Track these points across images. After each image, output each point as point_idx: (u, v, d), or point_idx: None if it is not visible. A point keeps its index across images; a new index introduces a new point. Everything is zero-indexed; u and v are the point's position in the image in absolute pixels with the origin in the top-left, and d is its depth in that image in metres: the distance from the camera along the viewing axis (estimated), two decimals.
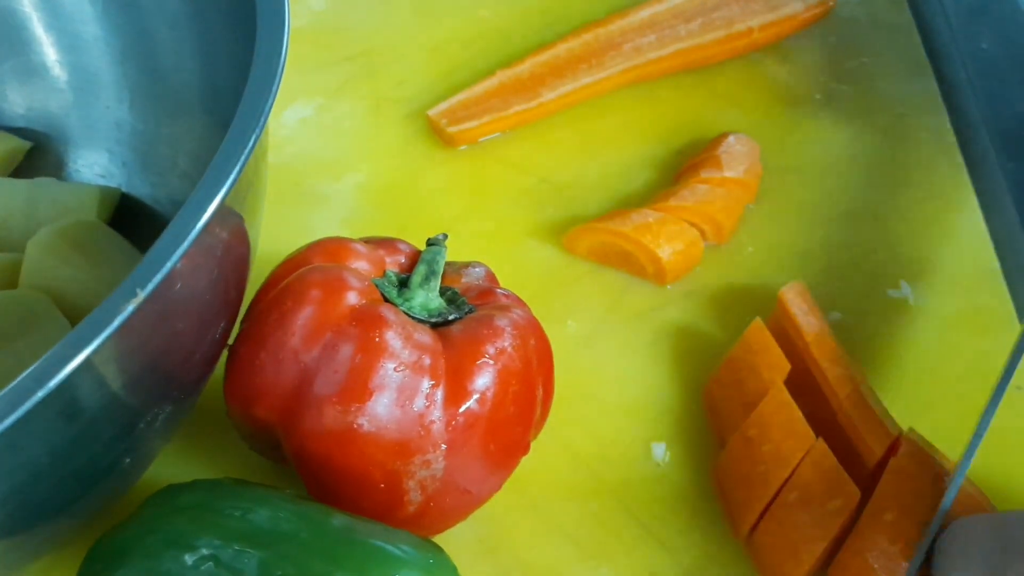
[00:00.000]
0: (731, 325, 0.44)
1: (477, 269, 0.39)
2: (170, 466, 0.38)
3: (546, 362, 0.37)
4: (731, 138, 0.50)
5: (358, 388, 0.33)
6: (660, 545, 0.38)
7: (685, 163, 0.50)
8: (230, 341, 0.36)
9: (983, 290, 0.46)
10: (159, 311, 0.28)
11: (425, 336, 0.34)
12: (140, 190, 0.47)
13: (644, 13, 0.55)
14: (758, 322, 0.42)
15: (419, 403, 0.33)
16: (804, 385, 0.40)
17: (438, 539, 0.34)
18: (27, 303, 0.40)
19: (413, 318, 0.35)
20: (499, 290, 0.38)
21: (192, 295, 0.30)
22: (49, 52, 0.47)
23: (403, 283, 0.37)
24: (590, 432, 0.42)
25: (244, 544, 0.30)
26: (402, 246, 0.38)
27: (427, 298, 0.36)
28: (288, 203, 0.50)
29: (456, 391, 0.34)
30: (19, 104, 0.48)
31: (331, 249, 0.36)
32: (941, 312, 0.45)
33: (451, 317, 0.36)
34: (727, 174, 0.48)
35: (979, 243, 0.47)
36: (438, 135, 0.53)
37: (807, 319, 0.42)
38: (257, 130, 0.29)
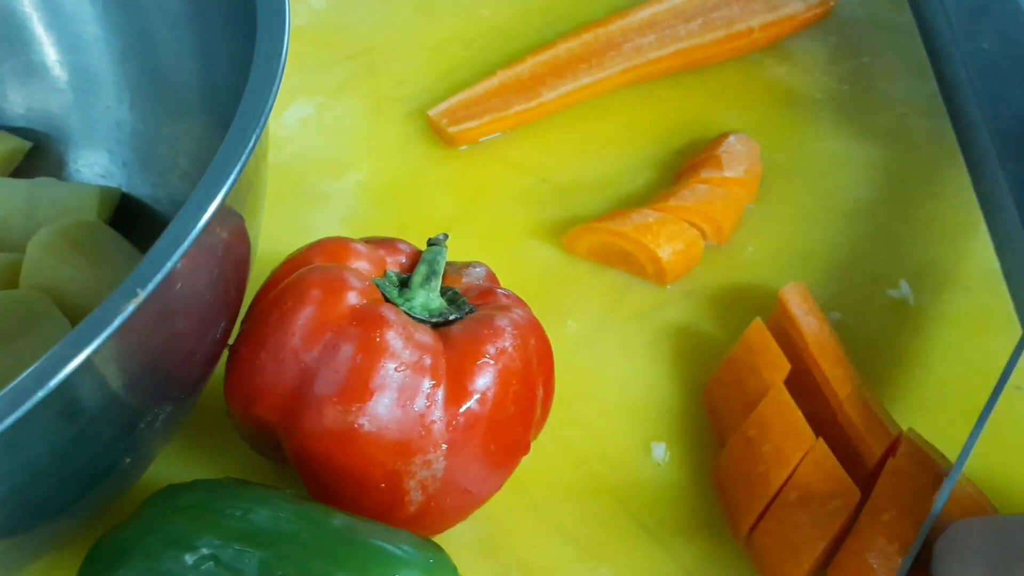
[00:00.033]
0: (731, 325, 0.44)
1: (478, 269, 0.39)
2: (170, 466, 0.38)
3: (546, 362, 0.37)
4: (731, 138, 0.50)
5: (359, 388, 0.33)
6: (660, 545, 0.38)
7: (685, 163, 0.50)
8: (230, 341, 0.36)
9: (983, 290, 0.46)
10: (159, 311, 0.28)
11: (426, 336, 0.34)
12: (140, 190, 0.47)
13: (644, 13, 0.55)
14: (758, 322, 0.42)
15: (420, 403, 0.33)
16: (804, 385, 0.40)
17: (438, 539, 0.34)
18: (27, 303, 0.40)
19: (414, 318, 0.35)
20: (500, 290, 0.38)
21: (192, 295, 0.30)
22: (49, 52, 0.47)
23: (404, 283, 0.37)
24: (590, 432, 0.42)
25: (244, 544, 0.30)
26: (403, 246, 0.38)
27: (428, 298, 0.36)
28: (288, 203, 0.50)
29: (457, 391, 0.34)
30: (19, 104, 0.48)
31: (332, 249, 0.36)
32: (941, 312, 0.45)
33: (452, 317, 0.36)
34: (727, 174, 0.48)
35: (979, 243, 0.47)
36: (438, 135, 0.53)
37: (807, 319, 0.42)
38: (257, 130, 0.29)
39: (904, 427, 0.39)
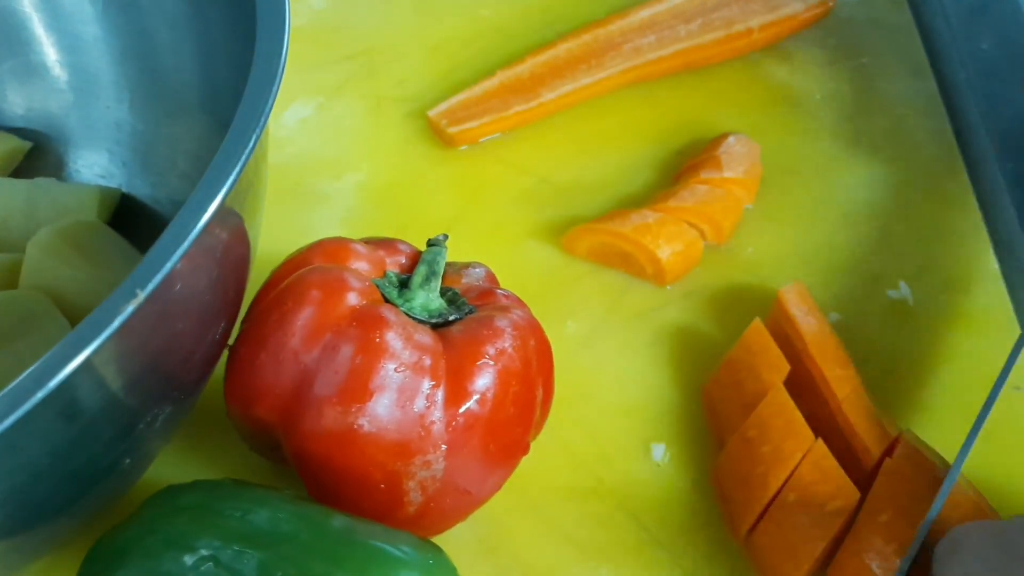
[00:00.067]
0: (730, 326, 0.44)
1: (477, 270, 0.39)
2: (170, 467, 0.38)
3: (546, 363, 0.37)
4: (731, 138, 0.50)
5: (358, 389, 0.33)
6: (659, 546, 0.38)
7: (685, 164, 0.50)
8: (230, 342, 0.36)
9: (982, 291, 0.46)
10: (159, 312, 0.28)
11: (425, 337, 0.34)
12: (140, 190, 0.47)
13: (644, 13, 0.55)
14: (757, 323, 0.42)
15: (419, 404, 0.33)
16: (803, 386, 0.40)
17: (438, 540, 0.34)
18: (27, 303, 0.39)
19: (413, 319, 0.35)
20: (499, 291, 0.38)
21: (192, 296, 0.30)
22: (49, 52, 0.47)
23: (403, 284, 0.37)
24: (590, 433, 0.42)
25: (244, 545, 0.30)
26: (402, 247, 0.38)
27: (427, 299, 0.36)
28: (288, 203, 0.50)
29: (456, 392, 0.34)
30: (19, 104, 0.48)
31: (331, 250, 0.36)
32: (940, 313, 0.45)
33: (451, 318, 0.36)
34: (727, 175, 0.48)
35: (979, 243, 0.47)
36: (438, 135, 0.53)
37: (806, 319, 0.42)
38: (257, 130, 0.29)
39: (903, 427, 0.39)
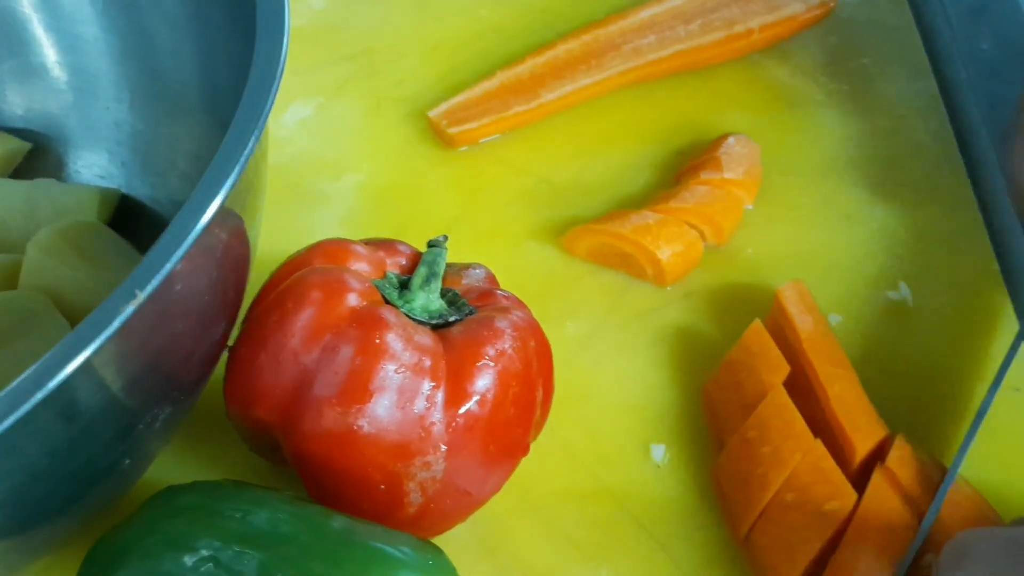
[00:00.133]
0: (730, 327, 0.44)
1: (477, 271, 0.39)
2: (170, 467, 0.38)
3: (546, 363, 0.37)
4: (731, 139, 0.50)
5: (358, 390, 0.33)
6: (659, 547, 0.38)
7: (685, 164, 0.50)
8: (230, 342, 0.36)
9: (982, 291, 0.46)
10: (158, 312, 0.28)
11: (425, 338, 0.34)
12: (140, 191, 0.47)
13: (644, 14, 0.55)
14: (757, 324, 0.42)
15: (419, 405, 0.33)
16: (803, 386, 0.40)
17: (438, 540, 0.34)
18: (27, 304, 0.40)
19: (413, 320, 0.35)
20: (499, 292, 0.38)
21: (192, 296, 0.30)
22: (49, 53, 0.47)
23: (404, 285, 0.37)
24: (589, 433, 0.42)
25: (244, 546, 0.30)
26: (402, 247, 0.38)
27: (428, 300, 0.36)
28: (288, 204, 0.50)
29: (456, 393, 0.34)
30: (19, 105, 0.48)
31: (331, 251, 0.36)
32: (940, 314, 0.45)
33: (451, 319, 0.36)
34: (727, 175, 0.48)
35: (978, 244, 0.47)
36: (438, 136, 0.53)
37: (803, 318, 0.42)
38: (257, 131, 0.29)
39: (903, 428, 0.39)
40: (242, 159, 0.28)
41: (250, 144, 0.29)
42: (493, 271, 0.40)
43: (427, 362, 0.33)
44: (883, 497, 0.36)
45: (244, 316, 0.36)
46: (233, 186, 0.28)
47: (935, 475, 0.37)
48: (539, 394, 0.36)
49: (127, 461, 0.33)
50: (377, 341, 0.33)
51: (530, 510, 0.39)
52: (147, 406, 0.31)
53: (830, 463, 0.37)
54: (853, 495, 0.36)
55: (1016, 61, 0.47)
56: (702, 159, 0.49)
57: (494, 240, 0.48)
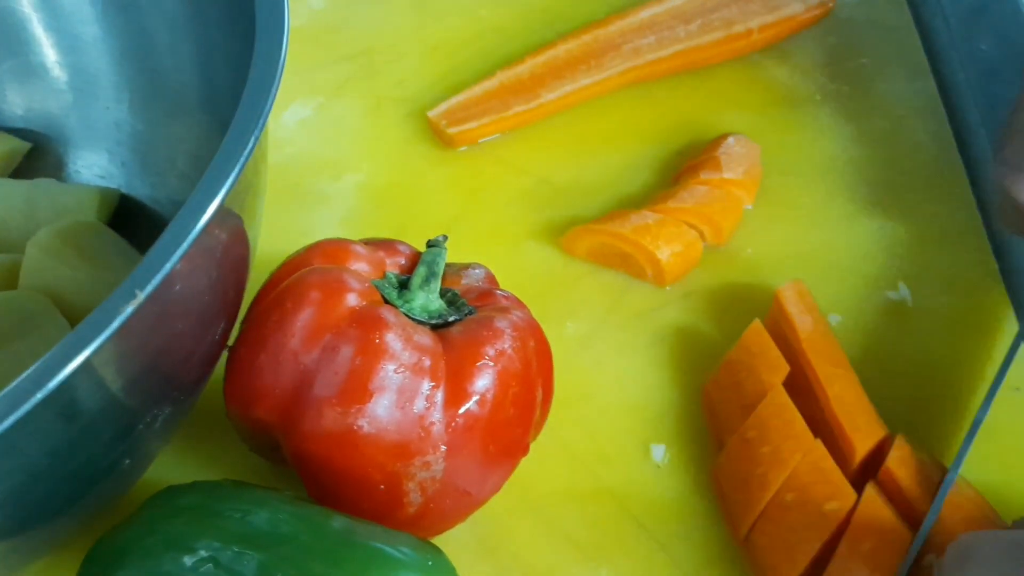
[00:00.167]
0: (730, 326, 0.44)
1: (477, 271, 0.39)
2: (170, 467, 0.38)
3: (545, 363, 0.37)
4: (730, 139, 0.50)
5: (358, 390, 0.33)
6: (659, 547, 0.38)
7: (684, 164, 0.50)
8: (230, 342, 0.36)
9: (982, 291, 0.46)
10: (158, 312, 0.28)
11: (425, 338, 0.34)
12: (140, 191, 0.47)
13: (643, 14, 0.55)
14: (757, 324, 0.42)
15: (419, 405, 0.33)
16: (803, 386, 0.40)
17: (438, 540, 0.34)
18: (26, 304, 0.40)
19: (413, 320, 0.35)
20: (499, 292, 0.38)
21: (191, 296, 0.30)
22: (49, 53, 0.47)
23: (403, 284, 0.37)
24: (589, 433, 0.42)
25: (244, 546, 0.30)
26: (402, 247, 0.38)
27: (427, 300, 0.36)
28: (288, 204, 0.50)
29: (456, 393, 0.34)
30: (19, 105, 0.48)
31: (331, 251, 0.36)
32: (940, 314, 0.45)
33: (451, 319, 0.36)
34: (726, 175, 0.48)
35: (978, 244, 0.47)
36: (438, 136, 0.53)
37: (802, 317, 0.42)
38: (256, 131, 0.29)
39: (903, 428, 0.39)
40: (242, 159, 0.28)
41: (250, 144, 0.29)
42: (493, 271, 0.40)
43: (427, 362, 0.33)
44: (882, 499, 0.36)
45: (244, 316, 0.36)
46: (233, 186, 0.28)
47: (935, 475, 0.37)
48: (539, 394, 0.36)
49: (127, 461, 0.33)
50: (377, 341, 0.33)
51: (530, 510, 0.39)
52: (147, 406, 0.31)
53: (830, 463, 0.37)
54: (853, 495, 0.36)
55: (1016, 61, 0.47)
56: (701, 159, 0.49)
57: (494, 240, 0.48)
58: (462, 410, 0.34)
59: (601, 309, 0.46)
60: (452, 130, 0.51)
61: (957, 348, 0.44)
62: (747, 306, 0.45)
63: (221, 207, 0.27)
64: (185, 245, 0.26)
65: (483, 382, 0.34)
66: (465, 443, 0.34)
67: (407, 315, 0.35)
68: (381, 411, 0.33)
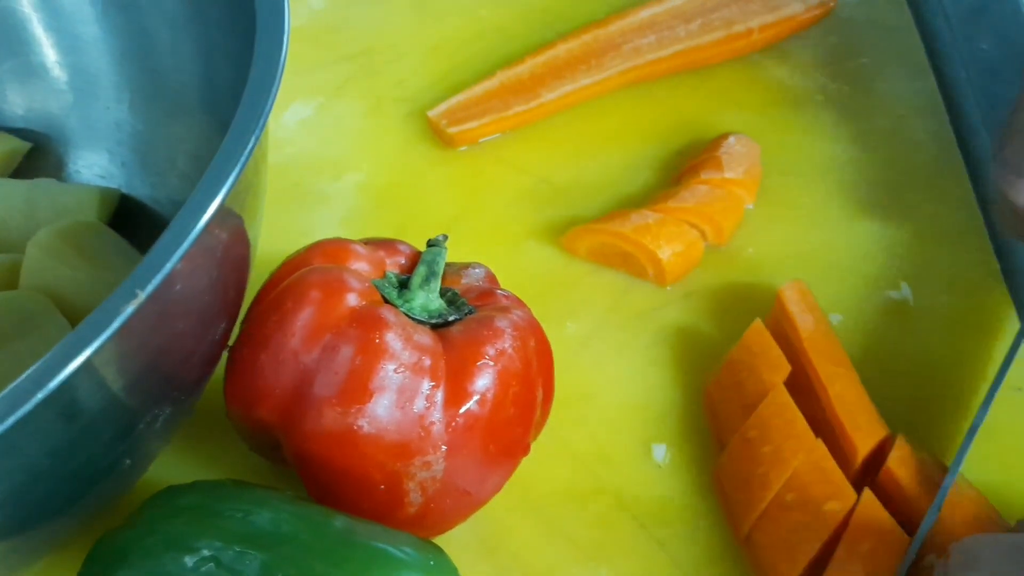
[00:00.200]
0: (731, 326, 0.44)
1: (477, 270, 0.39)
2: (170, 467, 0.38)
3: (546, 363, 0.37)
4: (731, 139, 0.50)
5: (358, 389, 0.33)
6: (660, 547, 0.38)
7: (685, 164, 0.50)
8: (230, 342, 0.36)
9: (983, 291, 0.46)
10: (159, 312, 0.28)
11: (425, 337, 0.34)
12: (140, 191, 0.47)
13: (644, 14, 0.55)
14: (758, 323, 0.42)
15: (419, 404, 0.33)
16: (804, 386, 0.40)
17: (438, 540, 0.34)
18: (27, 304, 0.39)
19: (413, 319, 0.35)
20: (499, 291, 0.38)
21: (192, 296, 0.30)
22: (49, 53, 0.47)
23: (403, 284, 0.37)
24: (590, 433, 0.41)
25: (245, 546, 0.30)
26: (402, 247, 0.38)
27: (427, 299, 0.36)
28: (288, 204, 0.50)
29: (456, 392, 0.34)
30: (19, 105, 0.48)
31: (331, 250, 0.36)
32: (941, 314, 0.45)
33: (451, 318, 0.36)
34: (727, 175, 0.48)
35: (979, 243, 0.47)
36: (438, 136, 0.53)
37: (803, 317, 0.42)
38: (257, 131, 0.29)
39: (903, 428, 0.39)
40: (242, 159, 0.28)
41: (250, 144, 0.29)
42: (493, 270, 0.40)
43: (427, 361, 0.33)
44: (884, 497, 0.36)
45: (244, 316, 0.36)
46: (233, 186, 0.28)
47: (935, 475, 0.37)
48: (539, 394, 0.36)
49: (127, 461, 0.33)
50: (377, 341, 0.33)
51: (530, 510, 0.39)
52: (147, 406, 0.31)
53: (831, 463, 0.37)
54: (853, 495, 0.36)
55: (1016, 61, 0.47)
56: (702, 158, 0.49)
57: (494, 240, 0.48)
58: (462, 410, 0.34)
59: (602, 309, 0.46)
60: (452, 130, 0.51)
61: (958, 348, 0.44)
62: (748, 306, 0.45)
63: (221, 207, 0.27)
64: (186, 245, 0.26)
65: (483, 382, 0.34)
66: (465, 443, 0.34)
67: (407, 315, 0.35)
68: (381, 411, 0.33)
